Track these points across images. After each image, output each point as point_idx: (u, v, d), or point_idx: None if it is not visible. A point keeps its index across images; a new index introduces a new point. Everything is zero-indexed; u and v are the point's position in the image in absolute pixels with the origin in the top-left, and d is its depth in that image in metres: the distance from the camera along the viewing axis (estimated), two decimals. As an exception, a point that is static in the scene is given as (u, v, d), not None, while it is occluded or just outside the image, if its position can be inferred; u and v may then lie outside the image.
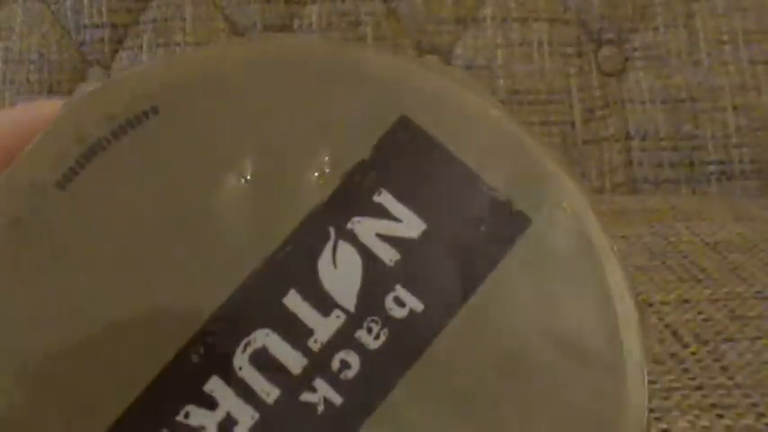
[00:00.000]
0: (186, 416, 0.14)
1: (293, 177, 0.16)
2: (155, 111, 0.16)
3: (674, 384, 0.37)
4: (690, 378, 0.37)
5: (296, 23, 0.75)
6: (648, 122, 0.70)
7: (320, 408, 0.14)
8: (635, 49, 0.72)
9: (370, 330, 0.15)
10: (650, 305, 0.44)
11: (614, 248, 0.15)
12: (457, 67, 0.73)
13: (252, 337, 0.15)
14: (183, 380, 0.15)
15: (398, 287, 0.15)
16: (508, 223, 0.15)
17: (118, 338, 0.15)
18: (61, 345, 0.15)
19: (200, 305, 0.15)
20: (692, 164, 0.69)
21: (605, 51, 0.72)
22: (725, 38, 0.71)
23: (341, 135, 0.16)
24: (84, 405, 0.14)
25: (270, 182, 0.16)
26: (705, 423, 0.34)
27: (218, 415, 0.14)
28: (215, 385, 0.15)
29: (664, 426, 0.34)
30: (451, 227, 0.15)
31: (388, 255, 0.15)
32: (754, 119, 0.69)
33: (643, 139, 0.70)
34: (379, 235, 0.15)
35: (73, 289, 0.15)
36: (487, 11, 0.73)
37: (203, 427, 0.14)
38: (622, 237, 0.52)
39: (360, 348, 0.15)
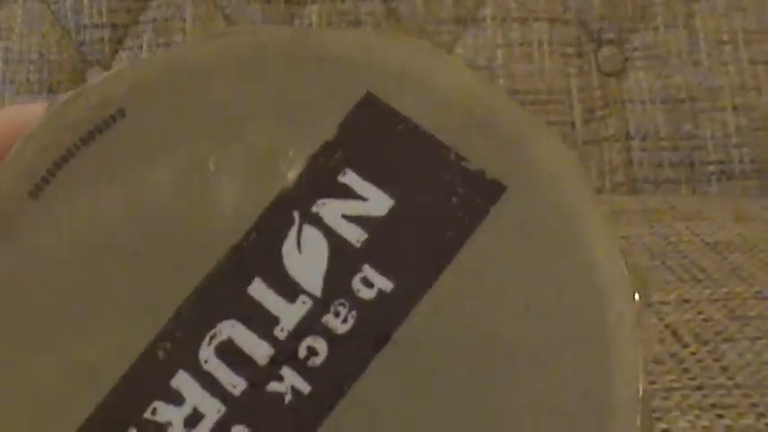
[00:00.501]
0: (153, 412, 0.14)
1: (258, 166, 0.15)
2: (122, 114, 0.16)
3: (674, 384, 0.37)
4: (690, 378, 0.37)
5: (296, 23, 0.75)
6: (648, 122, 0.70)
7: (288, 397, 0.14)
8: (635, 49, 0.72)
9: (337, 314, 0.15)
10: (650, 305, 0.43)
11: (600, 209, 0.14)
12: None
13: (217, 329, 0.15)
14: (150, 376, 0.15)
15: (366, 267, 0.15)
16: (481, 193, 0.15)
17: (85, 339, 0.15)
18: (29, 346, 0.15)
19: (165, 301, 0.15)
20: (692, 164, 0.69)
21: (605, 51, 0.72)
22: (725, 38, 0.71)
23: (305, 118, 0.16)
24: (53, 406, 0.14)
25: (235, 173, 0.15)
26: (705, 423, 0.34)
27: (185, 410, 0.14)
28: (181, 380, 0.15)
29: (664, 426, 0.34)
30: (421, 201, 0.15)
31: (355, 235, 0.15)
32: (754, 119, 0.69)
33: (643, 139, 0.70)
34: (345, 216, 0.15)
35: (42, 293, 0.15)
36: (487, 11, 0.73)
37: (170, 423, 0.14)
38: (622, 237, 0.52)
39: (327, 334, 0.14)
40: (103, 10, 0.76)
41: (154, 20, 0.76)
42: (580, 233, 0.15)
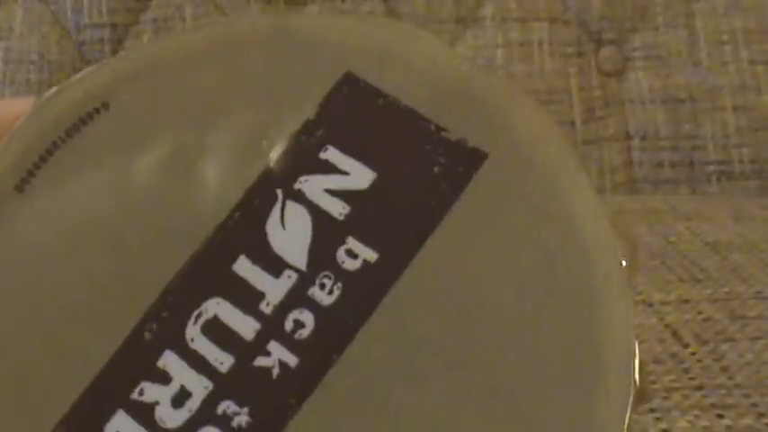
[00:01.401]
0: (141, 393, 0.14)
1: (241, 146, 0.16)
2: (105, 106, 0.16)
3: (674, 384, 0.37)
4: (690, 378, 0.37)
5: (296, 23, 0.75)
6: (648, 122, 0.70)
7: (275, 371, 0.14)
8: (635, 49, 0.72)
9: (322, 286, 0.15)
10: (650, 305, 0.43)
11: (582, 171, 0.14)
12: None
13: (203, 307, 0.15)
14: (137, 358, 0.15)
15: (350, 239, 0.15)
16: (462, 161, 0.15)
17: (72, 323, 0.15)
18: (14, 332, 0.15)
19: (151, 283, 0.15)
20: (692, 164, 0.69)
21: (605, 51, 0.72)
22: (725, 38, 0.71)
23: (285, 98, 0.16)
24: (40, 390, 0.14)
25: (218, 157, 0.16)
26: (705, 423, 0.34)
27: (172, 389, 0.14)
28: (168, 359, 0.15)
29: (664, 426, 0.34)
30: (403, 172, 0.15)
31: (338, 209, 0.15)
32: (754, 119, 0.69)
33: (643, 139, 0.70)
34: (327, 190, 0.15)
35: (29, 281, 0.15)
36: (487, 11, 0.73)
37: (157, 402, 0.14)
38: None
39: (313, 306, 0.14)
40: (103, 10, 0.76)
41: (154, 20, 0.76)
42: (564, 196, 0.15)
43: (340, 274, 0.15)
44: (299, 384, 0.14)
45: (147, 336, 0.15)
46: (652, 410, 0.35)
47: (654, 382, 0.37)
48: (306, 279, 0.15)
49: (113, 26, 0.77)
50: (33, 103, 0.17)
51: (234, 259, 0.15)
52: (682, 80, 0.70)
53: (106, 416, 0.14)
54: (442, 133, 0.15)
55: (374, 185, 0.15)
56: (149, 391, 0.14)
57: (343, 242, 0.15)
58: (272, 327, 0.15)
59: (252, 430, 0.14)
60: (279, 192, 0.15)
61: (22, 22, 0.77)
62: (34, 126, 0.16)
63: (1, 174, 0.16)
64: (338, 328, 0.14)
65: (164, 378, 0.14)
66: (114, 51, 0.77)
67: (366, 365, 0.14)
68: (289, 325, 0.14)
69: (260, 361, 0.14)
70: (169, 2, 0.76)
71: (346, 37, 0.16)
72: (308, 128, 0.16)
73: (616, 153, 0.70)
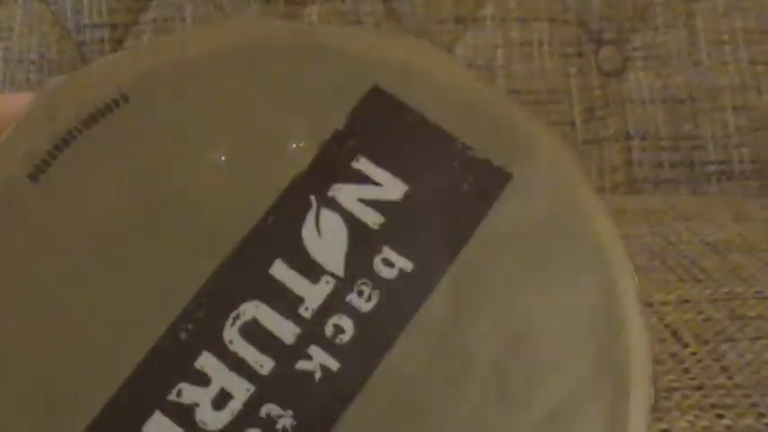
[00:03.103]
0: (179, 394, 0.14)
1: (270, 152, 0.16)
2: (125, 98, 0.16)
3: (675, 384, 0.37)
4: (690, 378, 0.37)
5: (296, 23, 0.75)
6: (648, 122, 0.70)
7: (317, 374, 0.14)
8: (635, 49, 0.72)
9: (361, 293, 0.15)
10: (650, 305, 0.44)
11: (592, 187, 0.15)
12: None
13: (240, 309, 0.15)
14: (173, 358, 0.14)
15: (386, 248, 0.15)
16: (489, 179, 0.15)
17: (101, 322, 0.15)
18: (43, 330, 0.15)
19: (184, 284, 0.15)
20: (692, 164, 0.69)
21: (605, 51, 0.72)
22: (725, 38, 0.71)
23: (314, 108, 0.16)
24: (72, 390, 0.14)
25: (247, 158, 0.16)
26: (705, 423, 0.34)
27: (212, 390, 0.14)
28: (206, 361, 0.15)
29: (664, 426, 0.34)
30: (433, 187, 0.15)
31: (372, 218, 0.15)
32: (754, 119, 0.69)
33: (643, 139, 0.70)
34: (361, 200, 0.15)
35: (52, 277, 0.15)
36: (487, 11, 0.73)
37: (197, 404, 0.14)
38: (622, 237, 0.52)
39: (352, 312, 0.15)
40: (103, 10, 0.76)
41: (154, 20, 0.76)
42: (587, 219, 0.15)
43: (377, 281, 0.15)
44: (342, 388, 0.14)
45: (183, 336, 0.15)
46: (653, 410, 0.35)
47: (654, 382, 0.37)
48: (344, 285, 0.15)
49: (113, 26, 0.77)
50: (39, 92, 0.16)
51: (270, 263, 0.15)
52: (682, 80, 0.70)
53: (143, 416, 0.14)
54: (469, 152, 0.16)
55: (406, 198, 0.15)
56: (188, 393, 0.14)
57: (380, 251, 0.15)
58: (312, 331, 0.15)
59: None
60: (312, 198, 0.15)
61: (22, 22, 0.77)
62: (47, 113, 0.16)
63: (11, 161, 0.16)
64: (378, 335, 0.15)
65: (202, 379, 0.14)
66: (114, 51, 0.77)
67: (406, 371, 0.14)
68: (329, 330, 0.15)
69: (301, 365, 0.15)
70: (169, 2, 0.77)
71: (369, 50, 0.16)
72: (338, 137, 0.16)
73: (616, 153, 0.70)
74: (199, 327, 0.15)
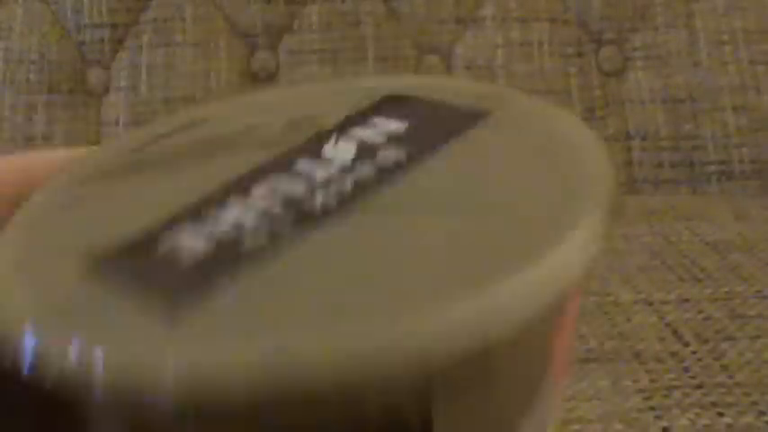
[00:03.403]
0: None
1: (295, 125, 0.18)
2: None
3: (675, 383, 0.37)
4: (690, 377, 0.37)
5: (296, 24, 0.75)
6: (648, 122, 0.70)
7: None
8: (635, 49, 0.72)
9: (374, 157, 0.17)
10: (650, 304, 0.44)
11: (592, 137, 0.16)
12: (459, 68, 0.73)
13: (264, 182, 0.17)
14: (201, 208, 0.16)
15: (390, 148, 0.17)
16: (479, 112, 0.18)
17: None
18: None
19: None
20: (692, 164, 0.69)
21: (605, 51, 0.72)
22: (725, 38, 0.71)
23: (333, 110, 0.18)
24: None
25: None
26: (706, 421, 0.34)
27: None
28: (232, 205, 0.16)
29: (664, 424, 0.34)
30: (434, 121, 0.18)
31: (380, 138, 0.18)
32: (754, 119, 0.69)
33: (643, 139, 0.70)
34: (373, 132, 0.18)
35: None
36: (487, 11, 0.73)
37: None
38: (622, 237, 0.52)
39: (374, 162, 0.17)
40: (103, 10, 0.76)
41: (154, 20, 0.76)
42: (564, 131, 0.17)
43: (382, 160, 0.17)
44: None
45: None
46: (652, 408, 0.35)
47: (654, 381, 0.37)
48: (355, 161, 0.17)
49: (113, 26, 0.77)
50: (74, 155, 0.17)
51: (293, 164, 0.17)
52: (682, 80, 0.70)
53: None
54: (465, 106, 0.18)
55: (409, 129, 0.18)
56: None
57: (385, 149, 0.17)
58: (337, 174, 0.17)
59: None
60: (333, 134, 0.18)
61: (22, 21, 0.77)
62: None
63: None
64: (396, 163, 0.17)
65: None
66: (114, 51, 0.77)
67: (426, 184, 0.16)
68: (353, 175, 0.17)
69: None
70: (169, 2, 0.77)
71: (380, 80, 0.19)
72: (360, 112, 0.18)
73: (616, 153, 0.70)
74: (225, 196, 0.16)
